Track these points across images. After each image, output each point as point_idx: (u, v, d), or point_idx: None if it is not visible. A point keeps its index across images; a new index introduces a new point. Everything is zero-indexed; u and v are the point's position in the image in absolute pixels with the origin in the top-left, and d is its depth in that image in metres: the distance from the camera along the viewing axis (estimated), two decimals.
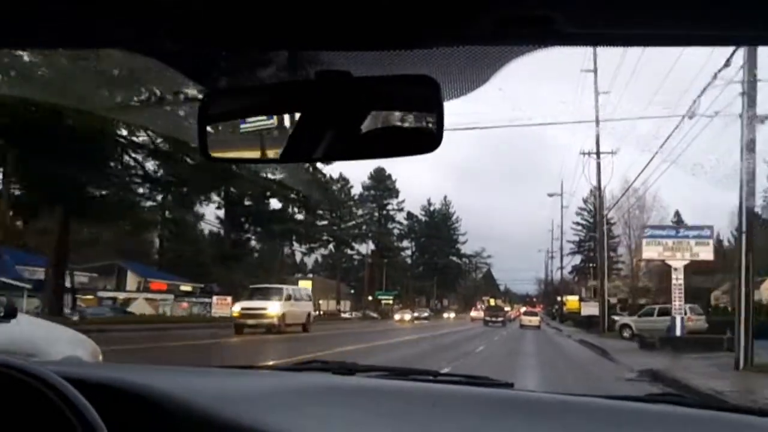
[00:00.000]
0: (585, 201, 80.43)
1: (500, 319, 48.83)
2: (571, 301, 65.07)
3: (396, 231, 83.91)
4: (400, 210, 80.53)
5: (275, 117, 0.99)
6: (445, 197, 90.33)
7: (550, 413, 1.22)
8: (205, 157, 1.00)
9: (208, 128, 1.00)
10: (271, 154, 1.01)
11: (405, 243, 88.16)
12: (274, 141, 1.00)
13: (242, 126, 1.00)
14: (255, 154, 1.03)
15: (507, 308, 74.90)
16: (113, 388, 1.01)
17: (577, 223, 77.27)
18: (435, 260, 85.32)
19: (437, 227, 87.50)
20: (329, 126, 0.97)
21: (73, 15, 0.80)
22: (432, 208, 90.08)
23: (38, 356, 3.89)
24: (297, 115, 0.98)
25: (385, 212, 79.19)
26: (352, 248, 72.66)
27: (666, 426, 1.21)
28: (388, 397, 1.27)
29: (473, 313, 66.63)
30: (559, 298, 71.34)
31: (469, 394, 1.33)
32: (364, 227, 73.58)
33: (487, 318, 49.20)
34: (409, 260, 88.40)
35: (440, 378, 1.56)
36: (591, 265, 70.03)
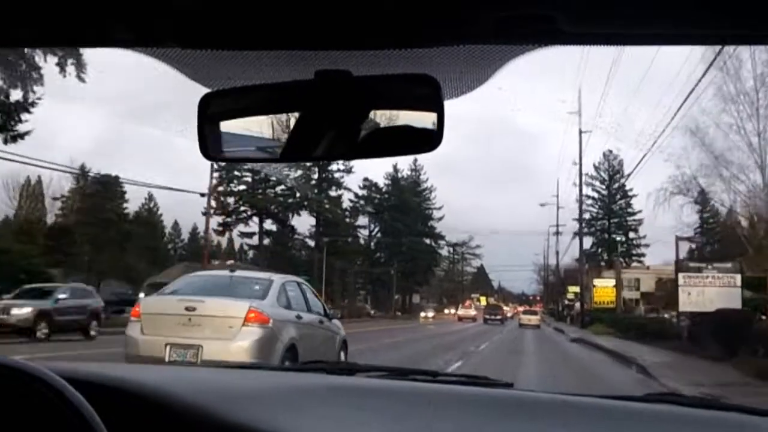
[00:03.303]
0: (597, 168, 78.20)
1: (499, 317, 70.03)
2: (603, 288, 53.47)
3: (349, 204, 79.86)
4: (349, 172, 74.41)
5: (275, 116, 1.36)
6: (415, 160, 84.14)
7: (549, 413, 1.66)
8: (205, 157, 1.36)
9: (207, 128, 1.36)
10: (271, 153, 1.39)
11: (363, 221, 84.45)
12: (273, 140, 1.37)
13: (242, 125, 1.37)
14: (255, 154, 1.40)
15: (505, 308, 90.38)
16: (111, 387, 1.36)
17: (588, 196, 73.52)
18: (401, 240, 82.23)
19: (402, 196, 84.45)
20: (329, 125, 1.32)
21: (74, 14, 1.08)
22: (399, 175, 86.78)
23: (340, 334, 12.12)
24: (297, 115, 1.34)
25: (326, 174, 73.68)
26: (283, 223, 70.73)
27: (665, 426, 1.65)
28: (388, 397, 1.71)
29: (461, 312, 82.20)
30: (577, 290, 59.22)
31: (468, 394, 1.78)
32: (298, 195, 70.07)
33: (486, 316, 71.14)
34: (364, 241, 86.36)
35: (440, 378, 2.03)
36: (617, 239, 68.75)
